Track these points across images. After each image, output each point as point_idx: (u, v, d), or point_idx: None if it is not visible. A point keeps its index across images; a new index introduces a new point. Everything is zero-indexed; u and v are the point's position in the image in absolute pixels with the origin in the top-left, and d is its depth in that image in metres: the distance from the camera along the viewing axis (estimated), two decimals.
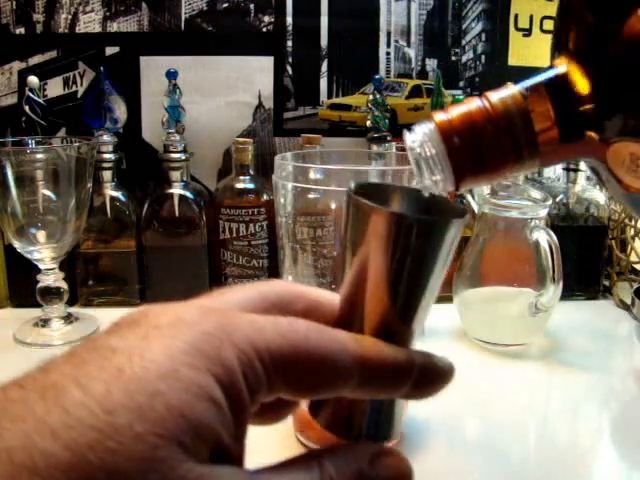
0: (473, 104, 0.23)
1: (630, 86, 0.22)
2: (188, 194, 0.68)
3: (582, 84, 0.23)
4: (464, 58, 0.78)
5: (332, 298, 0.25)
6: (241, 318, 0.20)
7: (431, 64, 0.78)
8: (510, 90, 0.23)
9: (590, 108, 0.23)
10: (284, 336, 0.20)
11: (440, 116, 0.24)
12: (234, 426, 0.19)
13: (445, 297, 0.54)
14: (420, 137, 0.24)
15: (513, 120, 0.23)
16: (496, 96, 0.23)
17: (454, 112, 0.23)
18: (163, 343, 0.18)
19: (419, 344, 0.25)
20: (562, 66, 0.24)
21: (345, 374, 0.21)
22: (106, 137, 0.67)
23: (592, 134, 0.23)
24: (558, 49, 0.25)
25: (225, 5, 0.74)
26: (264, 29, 0.75)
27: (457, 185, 0.24)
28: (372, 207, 0.22)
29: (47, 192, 0.59)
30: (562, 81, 0.23)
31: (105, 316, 0.65)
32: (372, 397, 0.23)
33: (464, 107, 0.24)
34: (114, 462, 0.16)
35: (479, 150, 0.23)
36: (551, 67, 0.24)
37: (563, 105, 0.23)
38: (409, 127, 0.24)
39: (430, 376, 0.23)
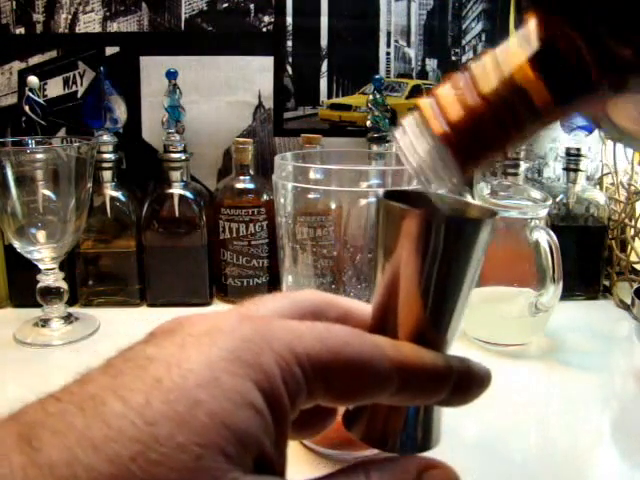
0: (465, 97, 0.22)
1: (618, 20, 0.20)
2: (188, 194, 0.68)
3: (560, 39, 0.22)
4: (464, 58, 0.78)
5: (364, 307, 0.25)
6: (279, 324, 0.20)
7: (431, 64, 0.78)
8: (496, 70, 0.22)
9: (580, 65, 0.21)
10: (322, 341, 0.20)
11: (437, 124, 0.22)
12: (275, 434, 0.18)
13: None
14: (421, 153, 0.23)
15: (511, 101, 0.22)
16: (487, 85, 0.22)
17: (449, 113, 0.22)
18: (201, 351, 0.18)
19: None
20: (532, 22, 0.22)
21: (384, 379, 0.21)
22: (106, 137, 0.67)
23: (590, 93, 0.22)
24: (524, 10, 0.23)
25: (225, 5, 0.74)
26: (264, 29, 0.75)
27: (462, 177, 0.23)
28: (403, 209, 0.22)
29: (47, 192, 0.59)
30: (541, 44, 0.22)
31: (105, 316, 0.65)
32: (410, 403, 0.23)
33: (458, 106, 0.22)
34: (157, 474, 0.16)
35: (482, 140, 0.22)
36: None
37: (549, 69, 0.22)
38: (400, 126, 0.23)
39: (468, 382, 0.23)
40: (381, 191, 0.24)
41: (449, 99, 0.23)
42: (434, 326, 0.23)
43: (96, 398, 0.17)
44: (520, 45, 0.22)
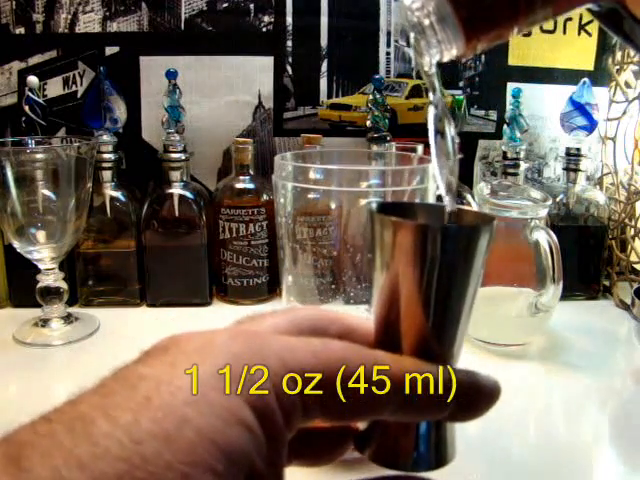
0: None
1: None
2: (188, 194, 0.68)
3: None
4: (463, 58, 0.78)
5: (367, 323, 0.25)
6: (272, 339, 0.20)
7: None
8: None
9: None
10: (317, 356, 0.19)
11: None
12: (269, 452, 0.18)
13: None
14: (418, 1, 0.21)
15: None
16: None
17: None
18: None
19: None
20: None
21: (384, 395, 0.20)
22: (106, 137, 0.67)
23: None
24: None
25: (225, 5, 0.74)
26: (264, 29, 0.75)
27: (467, 45, 0.21)
28: (397, 222, 0.21)
29: (47, 192, 0.59)
30: None
31: (105, 316, 0.65)
32: (414, 420, 0.22)
33: None
34: None
35: (487, 1, 0.20)
36: None
37: None
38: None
39: (475, 396, 0.22)
40: (374, 205, 0.23)
41: None
42: (438, 339, 0.22)
43: (86, 418, 0.17)
44: None
